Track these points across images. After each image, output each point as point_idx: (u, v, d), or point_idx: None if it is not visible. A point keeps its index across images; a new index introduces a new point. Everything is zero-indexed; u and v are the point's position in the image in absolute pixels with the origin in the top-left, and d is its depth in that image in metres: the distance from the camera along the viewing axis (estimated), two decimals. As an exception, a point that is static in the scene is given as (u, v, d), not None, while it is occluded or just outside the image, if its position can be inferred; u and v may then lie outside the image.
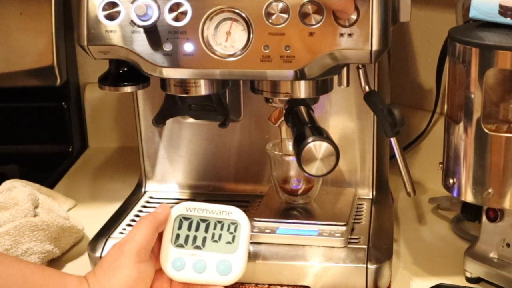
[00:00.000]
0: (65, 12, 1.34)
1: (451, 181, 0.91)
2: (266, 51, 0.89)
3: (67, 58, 1.37)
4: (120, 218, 1.06)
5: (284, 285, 0.95)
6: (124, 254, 0.84)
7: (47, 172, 1.34)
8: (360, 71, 0.96)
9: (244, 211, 0.90)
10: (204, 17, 0.89)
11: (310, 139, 0.88)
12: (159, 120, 1.08)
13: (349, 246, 0.95)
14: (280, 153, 1.02)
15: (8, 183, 1.09)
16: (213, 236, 0.88)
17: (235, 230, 0.88)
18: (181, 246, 0.88)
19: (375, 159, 1.09)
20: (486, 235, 0.95)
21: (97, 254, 0.98)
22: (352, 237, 0.98)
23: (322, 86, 0.97)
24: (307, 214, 1.02)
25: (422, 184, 1.23)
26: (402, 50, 1.31)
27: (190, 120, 1.11)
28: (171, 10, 0.90)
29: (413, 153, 1.30)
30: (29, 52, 1.32)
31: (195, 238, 0.88)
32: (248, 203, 1.08)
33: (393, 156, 0.96)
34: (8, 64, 1.33)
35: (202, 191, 1.14)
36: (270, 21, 0.88)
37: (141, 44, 0.91)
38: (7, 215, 1.01)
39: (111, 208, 1.10)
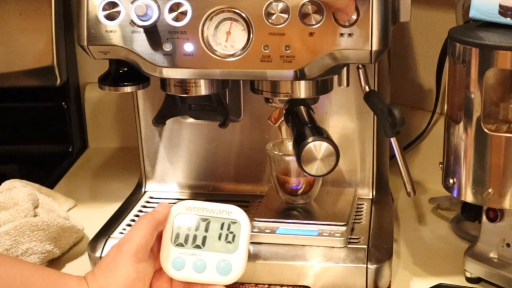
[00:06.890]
0: (65, 12, 1.34)
1: (451, 181, 0.91)
2: (266, 51, 0.89)
3: (67, 58, 1.37)
4: (120, 218, 1.06)
5: (284, 285, 0.95)
6: (122, 254, 0.84)
7: (47, 172, 1.34)
8: (360, 71, 0.96)
9: (244, 211, 0.90)
10: (204, 17, 0.89)
11: (310, 139, 0.88)
12: (159, 120, 1.09)
13: (349, 246, 0.95)
14: (280, 153, 1.02)
15: (8, 183, 1.09)
16: (213, 236, 0.88)
17: (235, 230, 0.88)
18: (181, 245, 0.88)
19: (375, 159, 1.09)
20: (486, 235, 0.95)
21: (97, 254, 0.98)
22: (352, 237, 0.98)
23: (322, 86, 0.97)
24: (307, 214, 1.02)
25: (422, 184, 1.23)
26: (402, 50, 1.31)
27: (190, 120, 1.11)
28: (171, 10, 0.90)
29: (413, 153, 1.29)
30: (29, 52, 1.32)
31: (195, 237, 0.88)
32: (248, 203, 1.08)
33: (393, 156, 0.96)
34: (8, 64, 1.33)
35: (202, 191, 1.14)
36: (270, 21, 0.88)
37: (141, 44, 0.91)
38: (7, 215, 1.01)
39: (111, 208, 1.10)
